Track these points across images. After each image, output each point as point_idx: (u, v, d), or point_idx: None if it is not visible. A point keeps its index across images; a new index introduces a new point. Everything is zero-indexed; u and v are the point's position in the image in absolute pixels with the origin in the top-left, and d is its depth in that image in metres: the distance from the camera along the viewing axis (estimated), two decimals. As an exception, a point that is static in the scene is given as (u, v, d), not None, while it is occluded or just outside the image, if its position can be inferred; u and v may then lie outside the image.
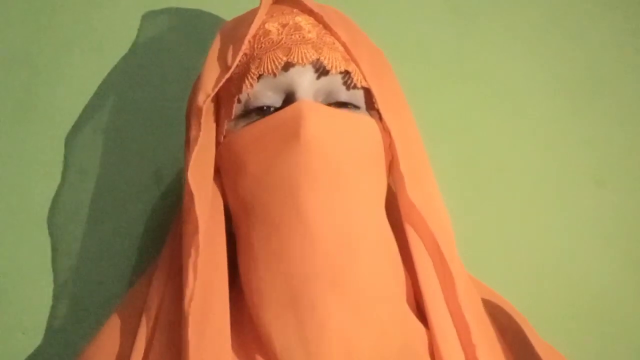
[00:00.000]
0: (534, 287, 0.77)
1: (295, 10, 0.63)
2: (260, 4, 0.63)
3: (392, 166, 0.63)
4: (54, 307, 0.75)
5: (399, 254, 0.61)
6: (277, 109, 0.60)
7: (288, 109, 0.58)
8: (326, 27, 0.62)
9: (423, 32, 0.82)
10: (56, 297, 0.75)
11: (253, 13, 0.63)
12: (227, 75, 0.59)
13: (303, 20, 0.62)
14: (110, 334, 0.62)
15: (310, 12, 0.62)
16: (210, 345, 0.55)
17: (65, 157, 0.77)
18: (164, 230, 0.72)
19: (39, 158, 0.77)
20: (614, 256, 0.79)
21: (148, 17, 0.80)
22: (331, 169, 0.57)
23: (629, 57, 0.83)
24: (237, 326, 0.58)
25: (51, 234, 0.76)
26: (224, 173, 0.62)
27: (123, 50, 0.79)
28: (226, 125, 0.61)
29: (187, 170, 0.58)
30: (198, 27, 0.79)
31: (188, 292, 0.56)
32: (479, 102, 0.81)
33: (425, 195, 0.62)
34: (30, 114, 0.77)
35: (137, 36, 0.79)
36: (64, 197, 0.76)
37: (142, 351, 0.59)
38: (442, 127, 0.78)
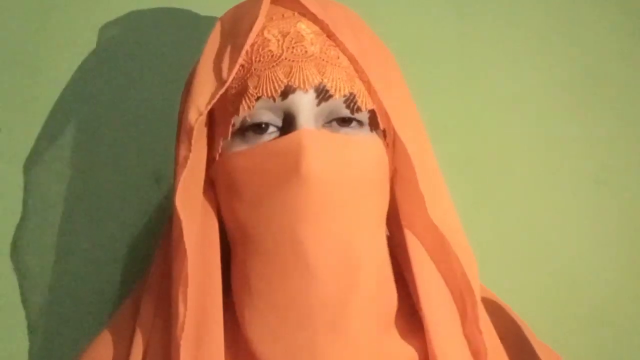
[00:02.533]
0: (533, 287, 0.78)
1: (296, 13, 0.57)
2: (261, 7, 0.57)
3: (397, 181, 0.60)
4: (53, 308, 0.75)
5: (392, 276, 0.59)
6: (275, 128, 0.56)
7: (287, 138, 0.55)
8: (331, 36, 0.56)
9: (424, 31, 0.81)
10: (56, 297, 0.75)
11: (253, 9, 0.57)
12: (222, 91, 0.55)
13: (306, 27, 0.56)
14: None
15: (313, 18, 0.57)
16: None
17: (65, 157, 0.76)
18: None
19: (39, 158, 0.76)
20: (614, 256, 0.79)
21: (148, 17, 0.78)
22: (331, 203, 0.54)
23: (629, 56, 0.82)
24: (233, 348, 0.57)
25: (51, 235, 0.76)
26: (219, 190, 0.59)
27: (123, 50, 0.78)
28: (221, 143, 0.57)
29: (175, 194, 0.55)
30: (199, 26, 0.76)
31: (179, 323, 0.54)
32: (479, 101, 0.81)
33: (445, 213, 0.59)
34: (30, 113, 0.77)
35: (137, 36, 0.78)
36: (63, 198, 0.76)
37: None
38: (442, 127, 0.77)
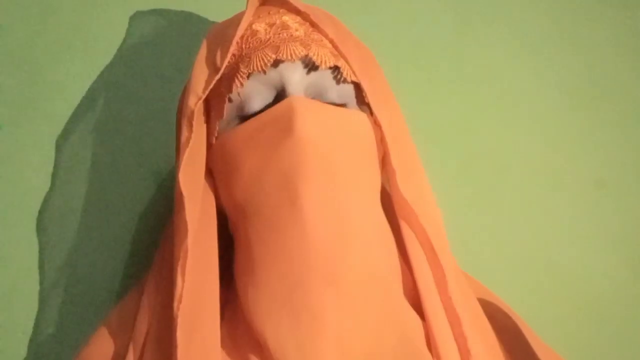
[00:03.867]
0: (533, 288, 0.77)
1: (282, 10, 0.63)
2: (247, 6, 0.63)
3: (384, 161, 0.63)
4: (53, 307, 0.74)
5: (395, 246, 0.60)
6: (268, 106, 0.59)
7: (279, 105, 0.58)
8: (313, 25, 0.62)
9: (423, 33, 0.82)
10: (56, 297, 0.75)
11: (239, 16, 0.63)
12: (217, 77, 0.59)
13: (290, 19, 0.62)
14: (102, 342, 0.62)
15: (297, 11, 0.62)
16: (200, 347, 0.55)
17: (65, 157, 0.77)
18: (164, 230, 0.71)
19: (39, 158, 0.77)
20: (614, 257, 0.79)
21: (147, 17, 0.80)
22: (325, 163, 0.56)
23: (629, 58, 0.83)
24: (231, 326, 0.58)
25: (51, 234, 0.76)
26: (217, 174, 0.62)
27: (123, 50, 0.79)
28: (217, 126, 0.61)
29: (178, 173, 0.58)
30: (198, 26, 0.79)
31: (177, 295, 0.56)
32: (479, 103, 0.81)
33: (416, 189, 0.62)
34: (30, 114, 0.78)
35: (136, 36, 0.80)
36: (63, 197, 0.76)
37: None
38: (442, 128, 0.78)
